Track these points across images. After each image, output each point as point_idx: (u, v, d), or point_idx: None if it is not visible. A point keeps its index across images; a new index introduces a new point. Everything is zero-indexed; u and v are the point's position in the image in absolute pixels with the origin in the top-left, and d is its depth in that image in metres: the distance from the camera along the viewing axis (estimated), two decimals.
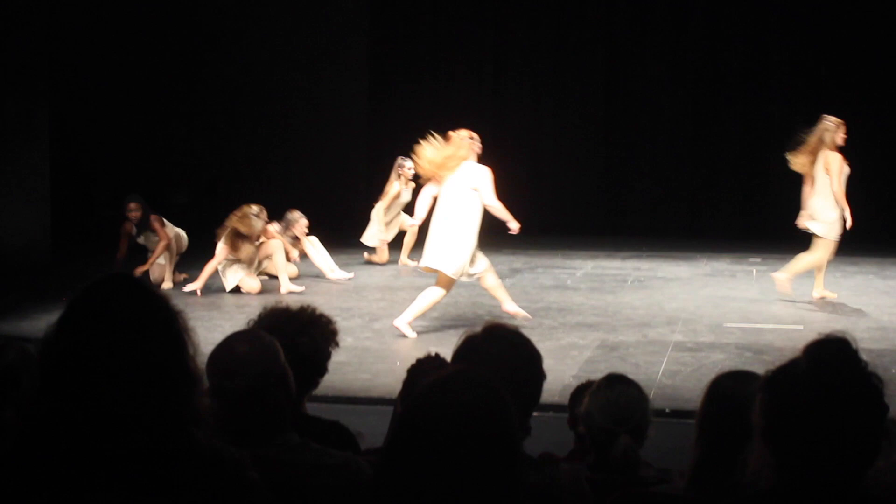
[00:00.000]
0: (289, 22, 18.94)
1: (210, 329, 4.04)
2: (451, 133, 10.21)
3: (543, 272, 13.56)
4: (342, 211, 17.67)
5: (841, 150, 11.44)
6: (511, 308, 10.45)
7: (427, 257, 10.05)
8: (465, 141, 10.12)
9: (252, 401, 3.33)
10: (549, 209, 17.06)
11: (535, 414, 3.54)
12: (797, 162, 11.63)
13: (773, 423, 2.65)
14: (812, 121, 11.68)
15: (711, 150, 17.66)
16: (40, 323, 2.83)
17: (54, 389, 2.54)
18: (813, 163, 11.54)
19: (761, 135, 17.54)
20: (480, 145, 10.31)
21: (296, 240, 13.50)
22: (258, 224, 12.39)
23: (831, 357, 2.67)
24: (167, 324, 2.61)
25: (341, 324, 4.34)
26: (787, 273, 11.74)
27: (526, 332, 3.64)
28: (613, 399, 4.21)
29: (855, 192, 13.52)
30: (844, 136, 11.52)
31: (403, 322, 9.88)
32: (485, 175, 10.00)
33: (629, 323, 10.46)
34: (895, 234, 15.59)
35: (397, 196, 14.69)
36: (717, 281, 13.16)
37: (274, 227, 13.25)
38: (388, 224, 14.72)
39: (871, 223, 16.03)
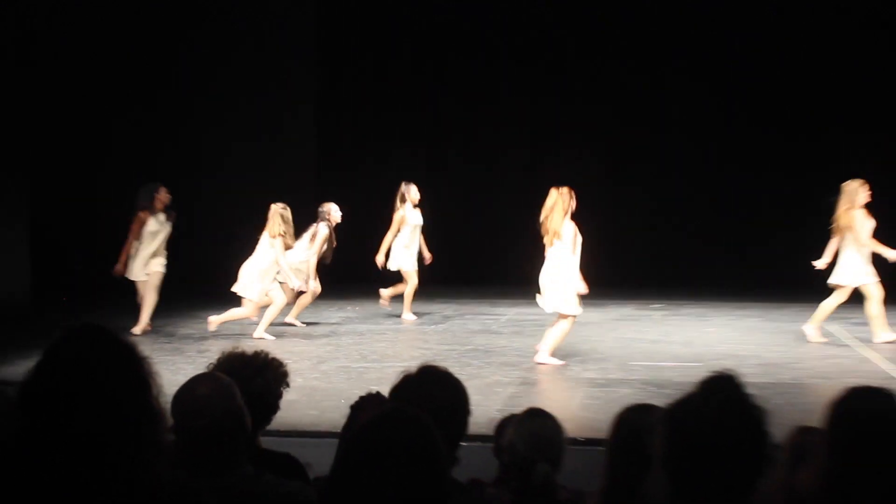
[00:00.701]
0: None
1: (174, 372, 4.02)
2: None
3: (471, 318, 13.60)
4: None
5: None
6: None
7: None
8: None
9: (212, 437, 3.32)
10: (480, 263, 17.07)
11: (463, 444, 3.54)
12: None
13: (670, 451, 2.67)
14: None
15: (621, 210, 17.69)
16: (19, 368, 2.79)
17: (31, 427, 2.53)
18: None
19: (663, 193, 17.70)
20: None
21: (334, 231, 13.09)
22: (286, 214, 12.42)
23: (721, 391, 2.70)
24: (133, 368, 2.61)
25: (291, 366, 4.32)
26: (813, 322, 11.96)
27: (455, 371, 3.64)
28: (533, 431, 4.22)
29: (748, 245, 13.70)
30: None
31: (544, 355, 10.32)
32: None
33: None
34: (777, 283, 15.70)
35: (403, 220, 13.65)
36: (624, 324, 13.24)
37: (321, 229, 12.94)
38: (408, 247, 13.70)
39: (757, 274, 16.32)
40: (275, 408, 4.12)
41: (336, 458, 2.56)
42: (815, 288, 12.31)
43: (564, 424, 4.65)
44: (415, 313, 13.57)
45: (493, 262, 17.14)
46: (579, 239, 10.61)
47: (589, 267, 14.07)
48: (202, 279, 16.51)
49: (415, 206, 13.76)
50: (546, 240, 10.67)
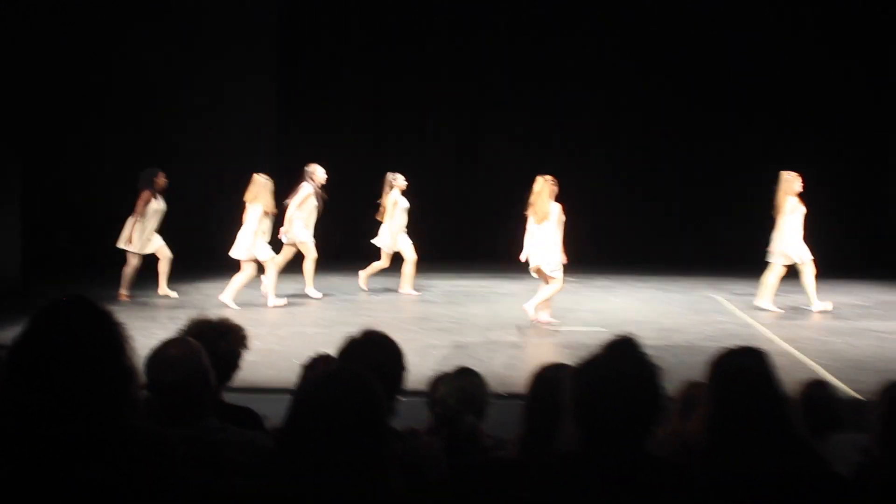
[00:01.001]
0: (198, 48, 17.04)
1: (147, 337, 3.97)
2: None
3: (409, 291, 13.58)
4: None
5: None
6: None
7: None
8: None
9: (180, 392, 3.33)
10: (419, 241, 17.02)
11: (401, 399, 3.55)
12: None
13: (578, 403, 2.70)
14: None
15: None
16: (10, 333, 2.77)
17: (19, 385, 2.53)
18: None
19: (575, 178, 17.74)
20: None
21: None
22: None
23: (622, 352, 2.74)
24: (110, 334, 2.62)
25: (251, 331, 4.31)
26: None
27: (395, 335, 3.65)
28: (461, 387, 4.25)
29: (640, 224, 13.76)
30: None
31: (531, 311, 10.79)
32: None
33: (475, 328, 10.52)
34: (672, 259, 15.86)
35: (395, 205, 13.15)
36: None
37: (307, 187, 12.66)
38: (397, 234, 13.28)
39: (655, 251, 16.47)
40: (236, 367, 4.11)
41: (289, 410, 2.57)
42: (703, 263, 12.50)
43: (489, 382, 4.69)
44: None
45: (428, 238, 17.08)
46: (563, 218, 10.89)
47: (511, 246, 14.13)
48: (174, 250, 16.34)
49: (402, 192, 13.28)
50: (535, 220, 10.91)
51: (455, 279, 13.66)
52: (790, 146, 16.66)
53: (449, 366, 4.94)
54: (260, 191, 12.00)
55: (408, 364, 3.57)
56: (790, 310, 12.10)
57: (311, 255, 12.79)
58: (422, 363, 7.85)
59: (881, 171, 17.54)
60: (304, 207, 12.78)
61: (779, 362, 3.50)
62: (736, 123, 17.74)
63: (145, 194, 12.52)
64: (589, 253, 13.39)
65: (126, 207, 12.65)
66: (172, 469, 2.54)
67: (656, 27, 17.77)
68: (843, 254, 15.01)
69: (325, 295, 12.87)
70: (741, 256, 15.25)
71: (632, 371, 2.69)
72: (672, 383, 4.07)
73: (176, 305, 11.83)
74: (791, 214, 11.68)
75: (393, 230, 13.21)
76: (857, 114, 17.55)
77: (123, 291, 12.33)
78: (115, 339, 2.61)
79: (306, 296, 12.63)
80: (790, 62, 17.43)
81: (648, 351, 2.80)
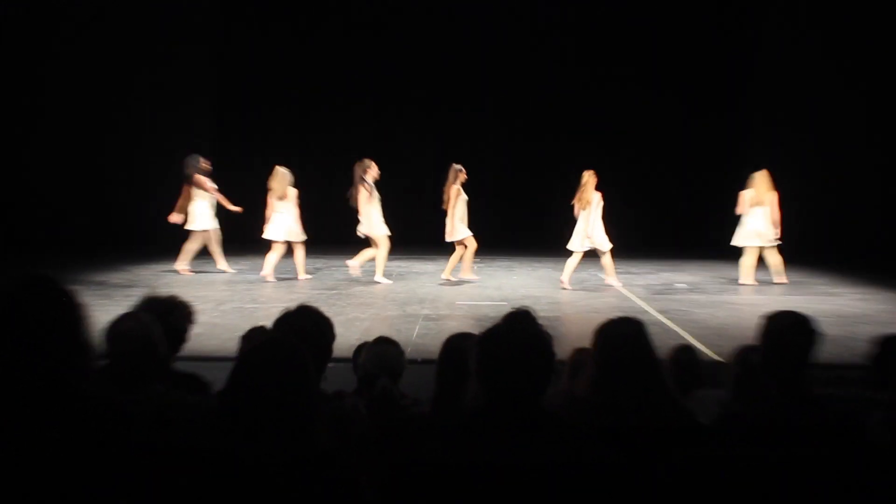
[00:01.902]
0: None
1: (105, 313, 3.87)
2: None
3: (337, 269, 13.52)
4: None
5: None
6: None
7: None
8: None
9: (133, 361, 3.28)
10: (347, 226, 16.86)
11: (330, 365, 3.54)
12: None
13: (482, 366, 2.72)
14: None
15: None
16: None
17: None
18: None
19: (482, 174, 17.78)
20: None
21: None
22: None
23: (518, 322, 2.76)
24: (68, 310, 2.56)
25: (196, 307, 4.24)
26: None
27: (323, 308, 3.63)
28: (378, 353, 4.25)
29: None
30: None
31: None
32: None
33: (394, 302, 10.50)
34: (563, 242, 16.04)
35: (458, 195, 12.30)
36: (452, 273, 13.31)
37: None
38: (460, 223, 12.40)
39: (551, 235, 16.56)
40: (184, 339, 4.05)
41: (229, 376, 2.55)
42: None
43: (405, 349, 4.69)
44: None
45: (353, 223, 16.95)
46: (602, 204, 11.83)
47: (429, 228, 14.05)
48: (126, 234, 15.99)
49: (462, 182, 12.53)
50: (580, 206, 11.84)
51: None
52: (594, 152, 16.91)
53: (371, 336, 4.93)
54: (282, 180, 12.30)
55: (335, 334, 3.55)
56: (661, 285, 12.34)
57: (384, 245, 12.33)
58: (347, 334, 7.83)
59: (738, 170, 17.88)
60: (372, 202, 12.29)
61: (652, 330, 3.56)
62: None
63: (198, 178, 12.72)
64: (495, 237, 13.42)
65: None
66: (123, 428, 2.50)
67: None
68: (707, 238, 15.26)
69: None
70: (620, 242, 15.48)
71: (527, 339, 2.71)
72: (562, 349, 4.12)
73: (129, 284, 11.60)
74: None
75: (456, 219, 12.39)
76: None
77: (185, 266, 12.77)
78: (71, 314, 2.56)
79: (375, 282, 12.23)
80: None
81: (542, 321, 2.83)
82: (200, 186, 12.76)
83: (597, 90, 17.84)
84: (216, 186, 12.92)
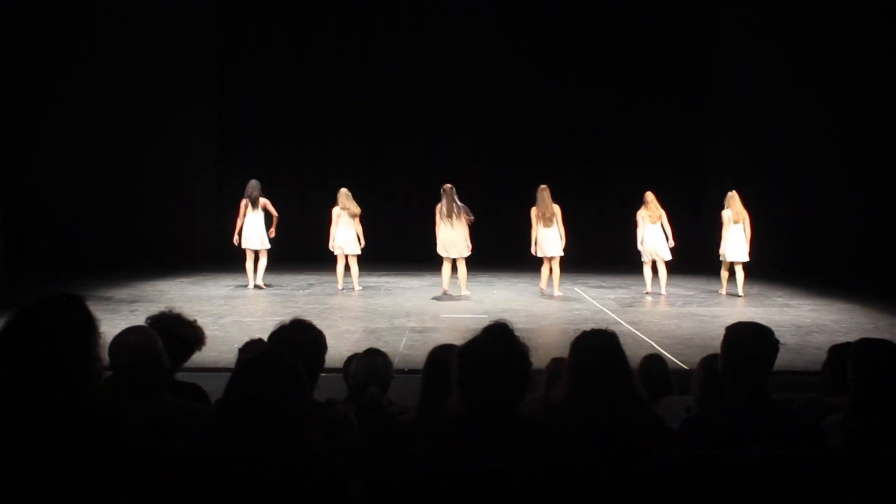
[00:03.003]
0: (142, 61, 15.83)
1: (111, 326, 3.84)
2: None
3: (328, 285, 13.47)
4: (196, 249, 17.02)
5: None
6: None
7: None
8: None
9: (137, 371, 3.26)
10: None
11: (322, 375, 3.52)
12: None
13: (462, 376, 2.71)
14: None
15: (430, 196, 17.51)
16: None
17: (5, 367, 2.47)
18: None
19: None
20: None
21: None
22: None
23: (497, 334, 2.75)
24: (84, 325, 2.56)
25: (199, 320, 4.19)
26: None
27: (316, 322, 3.61)
28: (367, 363, 4.23)
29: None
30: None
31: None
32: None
33: (382, 316, 10.47)
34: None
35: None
36: (436, 289, 13.27)
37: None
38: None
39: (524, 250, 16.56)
40: (191, 353, 4.02)
41: (227, 385, 2.54)
42: (567, 262, 12.64)
43: (393, 360, 4.67)
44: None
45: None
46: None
47: (415, 244, 13.93)
48: (131, 251, 15.89)
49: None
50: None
51: (364, 276, 13.57)
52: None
53: (361, 347, 4.91)
54: (345, 199, 12.89)
55: (327, 346, 3.54)
56: (631, 298, 12.37)
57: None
58: (339, 346, 7.80)
59: (698, 181, 17.92)
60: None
61: (624, 340, 3.57)
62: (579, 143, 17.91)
63: (265, 201, 13.01)
64: (476, 252, 13.39)
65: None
66: (128, 435, 2.49)
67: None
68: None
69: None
70: (596, 257, 15.53)
71: (505, 349, 2.71)
72: (540, 359, 4.12)
73: (135, 299, 11.53)
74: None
75: (557, 236, 12.53)
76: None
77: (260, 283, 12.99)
78: (87, 329, 2.56)
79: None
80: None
81: (520, 333, 2.82)
82: (268, 208, 13.03)
83: (563, 100, 17.83)
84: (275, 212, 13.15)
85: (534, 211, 12.60)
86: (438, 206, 12.27)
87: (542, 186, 12.60)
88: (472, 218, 12.10)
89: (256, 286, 12.89)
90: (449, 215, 12.11)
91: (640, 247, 12.88)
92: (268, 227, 13.01)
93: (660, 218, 12.80)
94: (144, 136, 16.33)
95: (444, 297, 12.24)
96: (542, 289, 12.69)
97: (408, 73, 17.84)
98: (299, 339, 3.39)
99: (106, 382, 3.12)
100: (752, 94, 16.55)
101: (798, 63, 15.48)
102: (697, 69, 17.90)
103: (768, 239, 14.24)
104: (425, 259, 14.96)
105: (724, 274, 12.86)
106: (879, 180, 14.44)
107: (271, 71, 17.65)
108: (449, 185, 12.26)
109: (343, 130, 18.06)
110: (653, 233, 12.78)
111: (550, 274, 12.61)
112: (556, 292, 12.53)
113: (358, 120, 18.06)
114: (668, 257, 12.77)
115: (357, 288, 12.97)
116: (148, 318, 3.93)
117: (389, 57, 17.85)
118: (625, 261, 13.76)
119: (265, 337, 3.68)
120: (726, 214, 12.71)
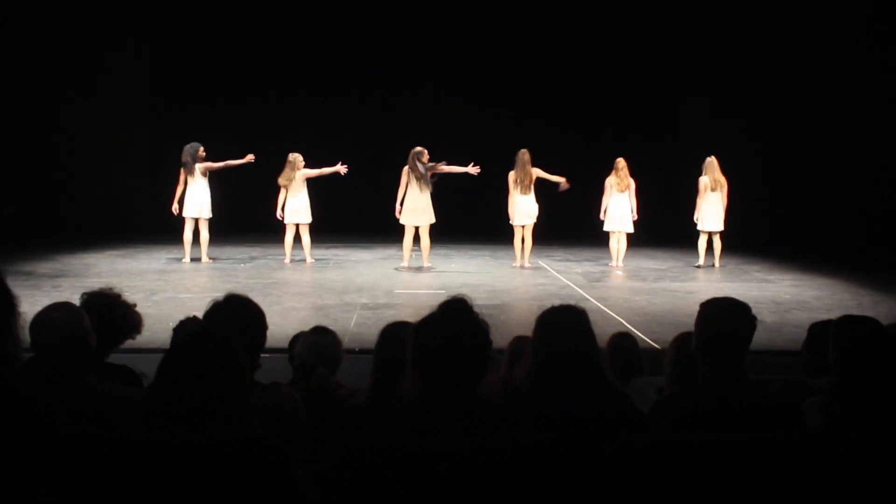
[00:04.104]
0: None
1: (32, 304, 3.75)
2: None
3: (273, 259, 13.39)
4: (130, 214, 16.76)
5: None
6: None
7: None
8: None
9: (61, 351, 3.21)
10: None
11: (266, 355, 3.50)
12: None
13: (417, 355, 2.71)
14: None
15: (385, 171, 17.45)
16: None
17: None
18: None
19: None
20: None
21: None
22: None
23: (454, 310, 2.75)
24: (1, 302, 2.51)
25: (128, 297, 4.14)
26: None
27: (259, 299, 3.58)
28: (315, 343, 4.23)
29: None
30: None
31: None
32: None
33: (331, 291, 10.44)
34: (499, 230, 16.08)
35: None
36: (389, 262, 13.31)
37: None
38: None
39: (487, 224, 16.59)
40: (126, 335, 3.97)
41: (158, 367, 2.51)
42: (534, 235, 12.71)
43: (343, 339, 4.67)
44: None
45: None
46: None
47: (368, 215, 13.89)
48: (57, 222, 15.65)
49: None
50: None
51: (314, 248, 13.50)
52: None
53: (307, 325, 4.90)
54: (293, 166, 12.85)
55: (267, 324, 3.51)
56: (599, 272, 12.48)
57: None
58: (284, 323, 7.78)
59: (674, 154, 18.08)
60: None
61: (591, 318, 3.59)
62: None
63: (202, 165, 12.75)
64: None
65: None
66: (48, 421, 2.45)
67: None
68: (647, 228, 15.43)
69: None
70: (562, 228, 15.60)
71: (463, 327, 2.71)
72: (501, 337, 4.13)
73: (58, 274, 11.38)
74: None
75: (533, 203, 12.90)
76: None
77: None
78: (7, 306, 2.51)
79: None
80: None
81: (480, 310, 2.83)
82: (209, 169, 12.81)
83: (533, 73, 17.87)
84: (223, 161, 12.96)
85: (511, 175, 12.67)
86: (405, 168, 12.28)
87: (522, 150, 12.65)
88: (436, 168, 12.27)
89: (195, 259, 12.77)
90: (417, 179, 12.15)
91: (602, 216, 13.01)
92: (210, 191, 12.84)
93: (628, 187, 12.89)
94: (73, 100, 16.15)
95: (407, 270, 12.26)
96: (518, 266, 12.73)
97: (360, 31, 17.70)
98: (236, 316, 3.36)
99: (26, 364, 3.07)
100: (723, 74, 16.72)
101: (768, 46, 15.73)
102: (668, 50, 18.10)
103: (747, 210, 14.43)
104: (377, 230, 14.93)
105: (702, 244, 13.03)
106: (864, 151, 14.65)
107: (211, 29, 17.45)
108: (419, 148, 12.26)
109: (288, 91, 17.92)
110: (619, 202, 12.90)
111: (523, 245, 12.72)
112: (527, 263, 12.66)
113: (304, 81, 17.92)
114: (630, 230, 12.89)
115: (309, 260, 12.96)
116: (84, 294, 3.88)
117: (339, 12, 17.69)
118: (593, 232, 13.84)
119: (202, 315, 3.65)
120: (703, 181, 12.88)
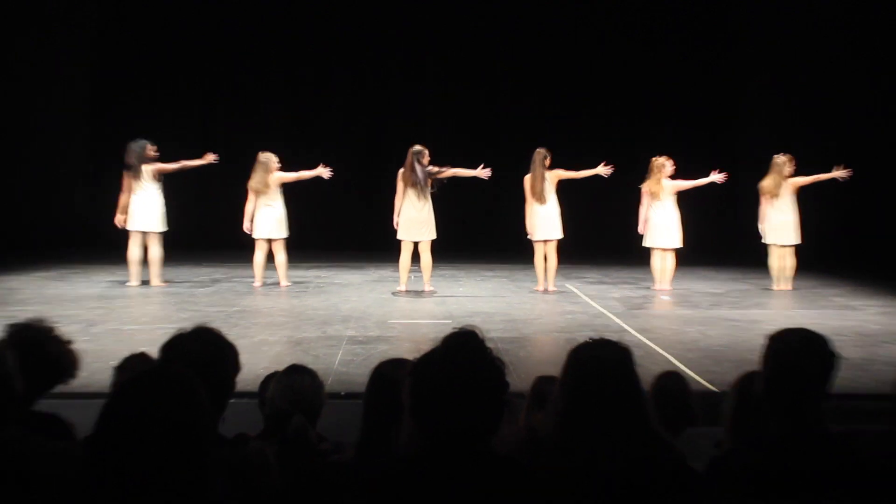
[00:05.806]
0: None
1: None
2: None
3: (239, 282, 13.41)
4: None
5: None
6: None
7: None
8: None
9: None
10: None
11: (232, 401, 3.48)
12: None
13: (416, 401, 2.69)
14: None
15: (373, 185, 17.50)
16: None
17: None
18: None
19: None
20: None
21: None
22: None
23: (462, 345, 2.73)
24: None
25: (61, 328, 4.13)
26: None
27: (224, 331, 3.57)
28: (290, 385, 4.22)
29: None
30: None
31: None
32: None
33: (311, 321, 10.43)
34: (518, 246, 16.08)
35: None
36: (383, 285, 13.31)
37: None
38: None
39: (504, 240, 16.61)
40: (57, 380, 3.95)
41: (98, 416, 2.49)
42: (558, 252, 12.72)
43: (325, 380, 4.66)
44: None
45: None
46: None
47: (356, 231, 13.94)
48: None
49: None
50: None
51: (290, 269, 13.50)
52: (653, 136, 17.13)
53: (283, 364, 4.88)
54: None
55: (240, 363, 3.50)
56: (640, 298, 12.46)
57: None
58: (254, 361, 7.75)
59: (736, 166, 18.12)
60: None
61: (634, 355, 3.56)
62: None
63: (157, 167, 12.80)
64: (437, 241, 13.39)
65: None
66: None
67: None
68: (700, 242, 15.42)
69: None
70: (595, 245, 15.60)
71: (471, 366, 2.69)
72: (520, 378, 4.11)
73: None
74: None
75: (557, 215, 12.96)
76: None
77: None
78: None
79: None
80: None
81: (494, 344, 2.81)
82: (160, 172, 12.80)
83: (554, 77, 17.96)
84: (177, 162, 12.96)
85: (526, 180, 12.65)
86: (401, 171, 12.31)
87: (538, 150, 12.61)
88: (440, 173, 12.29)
89: (144, 283, 12.79)
90: (415, 185, 12.15)
91: (640, 228, 12.99)
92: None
93: (667, 193, 12.85)
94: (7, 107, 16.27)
95: (404, 294, 12.27)
96: (542, 290, 12.74)
97: (346, 4, 17.82)
98: (201, 353, 3.35)
99: None
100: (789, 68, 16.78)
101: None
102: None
103: (820, 224, 14.42)
104: (368, 246, 14.93)
105: (773, 262, 13.01)
106: None
107: (163, 3, 17.56)
108: (419, 147, 12.27)
109: (257, 78, 18.03)
110: (661, 212, 12.93)
111: (546, 264, 12.69)
112: (551, 286, 12.65)
113: (277, 65, 18.04)
114: (676, 245, 12.84)
115: (284, 283, 12.97)
116: (8, 326, 3.86)
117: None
118: (632, 249, 13.83)
119: (152, 350, 3.64)
120: (766, 185, 12.88)
